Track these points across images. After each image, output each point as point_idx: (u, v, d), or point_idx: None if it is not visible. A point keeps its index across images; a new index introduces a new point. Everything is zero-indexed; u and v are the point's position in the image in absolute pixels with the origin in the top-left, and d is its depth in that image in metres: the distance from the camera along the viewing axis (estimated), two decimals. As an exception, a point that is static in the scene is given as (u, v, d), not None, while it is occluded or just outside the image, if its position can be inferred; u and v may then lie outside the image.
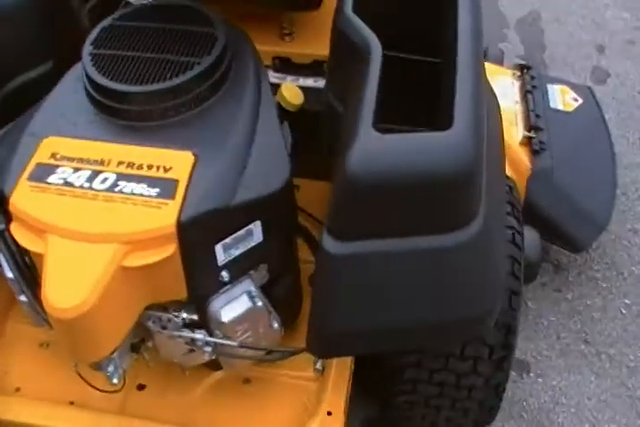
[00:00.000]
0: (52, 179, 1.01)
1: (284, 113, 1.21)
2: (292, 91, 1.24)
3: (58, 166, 1.02)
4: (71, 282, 0.93)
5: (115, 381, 1.17)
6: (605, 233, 2.02)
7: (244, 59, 1.15)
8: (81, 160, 1.02)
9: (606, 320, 1.95)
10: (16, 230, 1.00)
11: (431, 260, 0.94)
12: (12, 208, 1.00)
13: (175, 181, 0.99)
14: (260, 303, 1.14)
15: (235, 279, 1.11)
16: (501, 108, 1.65)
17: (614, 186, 1.86)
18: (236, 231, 1.04)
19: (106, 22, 1.14)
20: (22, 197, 1.00)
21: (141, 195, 0.98)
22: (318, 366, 1.33)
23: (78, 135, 1.06)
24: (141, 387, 1.37)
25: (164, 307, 1.12)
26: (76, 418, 1.27)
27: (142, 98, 1.05)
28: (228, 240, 1.03)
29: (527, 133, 1.78)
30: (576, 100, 1.94)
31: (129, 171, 1.01)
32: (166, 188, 0.98)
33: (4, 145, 1.10)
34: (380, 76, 0.94)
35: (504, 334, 1.28)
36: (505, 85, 1.92)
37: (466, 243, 0.93)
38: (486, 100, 1.03)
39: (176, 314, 1.12)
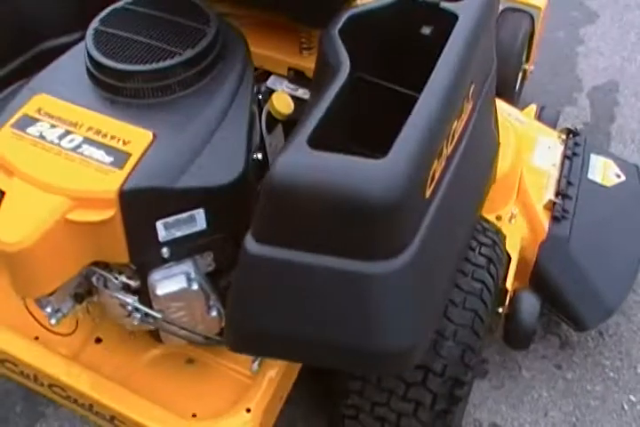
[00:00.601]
0: (30, 130, 1.13)
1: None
2: (282, 100, 1.27)
3: (38, 120, 1.14)
4: (18, 221, 1.04)
5: (52, 321, 1.25)
6: (628, 322, 1.91)
7: (233, 59, 1.22)
8: (59, 119, 1.14)
9: (603, 411, 1.82)
10: None
11: (344, 283, 0.92)
12: None
13: (128, 154, 1.08)
14: (195, 287, 1.19)
15: (176, 258, 1.17)
16: (537, 169, 1.60)
17: (636, 271, 1.76)
18: (177, 213, 1.10)
19: (118, 4, 1.25)
20: (2, 141, 1.12)
21: (97, 160, 1.08)
22: (255, 365, 1.34)
23: (65, 98, 1.16)
24: (98, 340, 1.47)
25: (109, 267, 1.20)
26: (31, 351, 1.39)
27: (122, 75, 1.14)
28: (169, 220, 1.10)
29: (553, 199, 1.72)
30: (618, 176, 1.86)
31: (94, 137, 1.11)
32: (119, 158, 1.08)
33: (12, 94, 1.24)
34: (353, 100, 0.96)
35: (450, 385, 1.24)
36: (547, 147, 1.87)
37: (383, 274, 0.90)
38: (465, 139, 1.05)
39: (116, 276, 1.20)
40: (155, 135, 1.10)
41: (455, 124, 1.00)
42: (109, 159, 1.08)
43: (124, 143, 1.09)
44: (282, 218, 0.90)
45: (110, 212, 1.05)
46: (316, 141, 0.89)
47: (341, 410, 1.40)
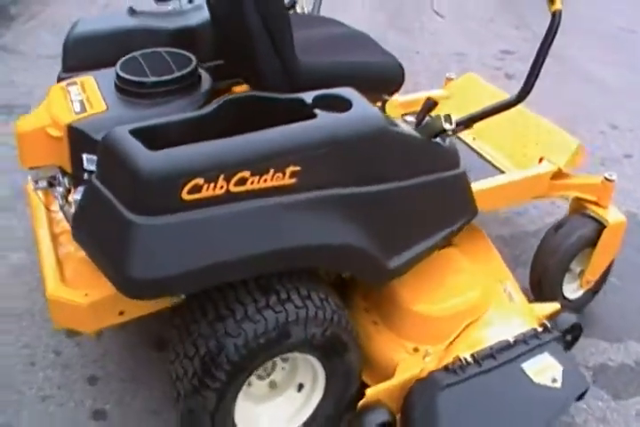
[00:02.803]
0: (70, 88, 1.70)
1: None
2: None
3: (76, 84, 1.72)
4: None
5: (35, 186, 1.76)
6: None
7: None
8: (85, 92, 1.68)
9: None
10: None
11: (118, 224, 1.34)
12: None
13: (86, 111, 1.59)
14: None
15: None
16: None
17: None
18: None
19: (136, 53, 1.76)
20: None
21: (74, 107, 1.60)
22: None
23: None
24: None
25: (64, 171, 1.67)
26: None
27: (129, 82, 1.63)
28: (90, 156, 1.52)
29: (463, 356, 1.75)
30: (554, 381, 1.78)
31: (84, 101, 1.63)
32: (81, 110, 1.58)
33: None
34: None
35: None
36: (516, 323, 1.90)
37: (141, 225, 1.29)
38: None
39: (60, 177, 1.67)
40: (107, 108, 1.57)
41: (248, 175, 1.34)
42: (78, 109, 1.58)
43: (91, 107, 1.58)
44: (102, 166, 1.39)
45: (60, 134, 1.54)
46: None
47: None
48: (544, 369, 1.81)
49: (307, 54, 1.66)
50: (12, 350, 2.10)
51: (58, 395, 1.97)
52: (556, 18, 1.66)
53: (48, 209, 1.80)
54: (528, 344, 1.84)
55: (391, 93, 1.87)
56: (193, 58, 1.65)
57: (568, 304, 2.30)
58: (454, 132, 1.63)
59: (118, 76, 1.59)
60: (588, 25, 5.30)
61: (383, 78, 1.84)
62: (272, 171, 1.34)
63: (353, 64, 1.77)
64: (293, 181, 1.38)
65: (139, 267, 1.28)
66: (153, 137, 1.33)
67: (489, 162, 2.24)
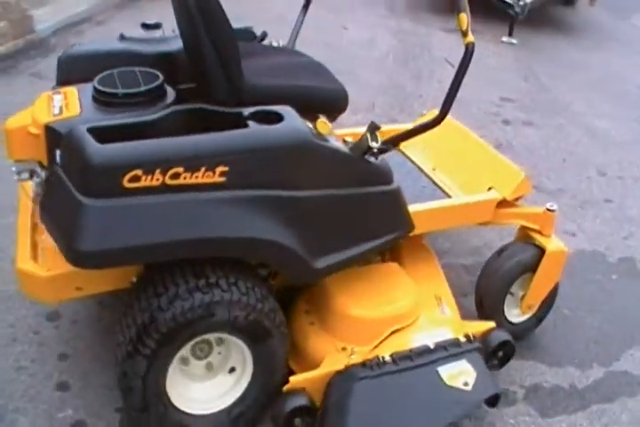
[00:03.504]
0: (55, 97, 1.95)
1: None
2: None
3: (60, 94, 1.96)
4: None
5: (16, 177, 1.97)
6: None
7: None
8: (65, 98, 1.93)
9: None
10: None
11: (72, 205, 1.60)
12: None
13: (63, 114, 1.83)
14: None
15: None
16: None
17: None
18: None
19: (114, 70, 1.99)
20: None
21: (53, 110, 1.85)
22: None
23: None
24: None
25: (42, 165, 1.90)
26: None
27: (102, 93, 1.87)
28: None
29: (383, 356, 1.96)
30: (466, 384, 1.95)
31: (65, 102, 1.90)
32: (59, 113, 1.83)
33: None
34: None
35: None
36: (439, 334, 2.08)
37: (87, 205, 1.56)
38: None
39: (39, 170, 1.91)
40: (81, 112, 1.82)
41: (182, 171, 1.59)
42: (56, 112, 1.82)
43: (67, 111, 1.83)
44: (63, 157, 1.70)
45: (39, 132, 1.79)
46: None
47: None
48: (458, 374, 1.98)
49: (257, 77, 1.94)
50: (-4, 327, 2.38)
51: (31, 367, 2.23)
52: (468, 49, 1.85)
53: (32, 200, 2.07)
54: (448, 351, 2.02)
55: (334, 116, 2.13)
56: (160, 76, 1.91)
57: (511, 328, 2.46)
58: (380, 150, 1.85)
59: (94, 88, 1.87)
60: (603, 83, 5.50)
61: (324, 102, 2.09)
62: (203, 169, 1.59)
63: (297, 87, 2.04)
64: (223, 179, 1.62)
65: (85, 241, 1.54)
66: (107, 135, 1.60)
67: (440, 188, 2.46)
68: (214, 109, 1.81)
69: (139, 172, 1.54)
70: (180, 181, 1.58)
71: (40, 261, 1.86)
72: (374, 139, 1.81)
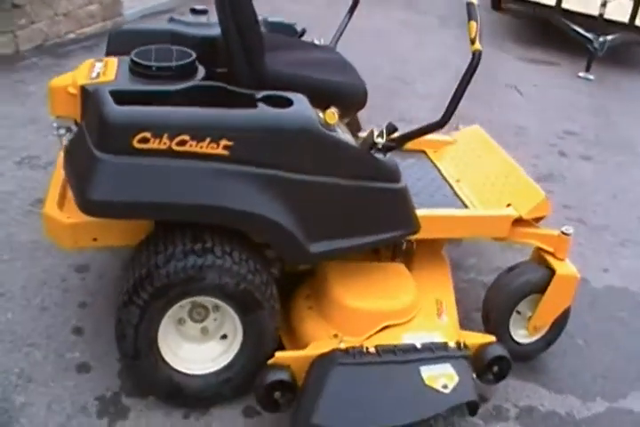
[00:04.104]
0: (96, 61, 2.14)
1: None
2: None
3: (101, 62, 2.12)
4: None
5: (55, 133, 2.13)
6: None
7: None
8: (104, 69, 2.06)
9: None
10: None
11: (88, 158, 1.74)
12: None
13: (100, 78, 1.99)
14: None
15: None
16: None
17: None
18: None
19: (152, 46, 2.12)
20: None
21: (93, 75, 2.02)
22: None
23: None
24: None
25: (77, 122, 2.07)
26: None
27: (137, 65, 2.01)
28: None
29: (367, 347, 2.00)
30: (445, 387, 1.96)
31: (103, 69, 2.05)
32: (97, 76, 2.00)
33: None
34: None
35: None
36: (427, 339, 2.09)
37: (102, 160, 1.70)
38: None
39: (73, 127, 2.09)
40: (115, 79, 1.96)
41: (188, 139, 1.69)
42: (93, 76, 1.97)
43: (104, 76, 1.98)
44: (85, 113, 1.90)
45: (76, 91, 1.95)
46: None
47: None
48: (439, 376, 1.99)
49: (282, 66, 2.05)
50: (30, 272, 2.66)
51: (54, 309, 2.50)
52: (475, 57, 1.88)
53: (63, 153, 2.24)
54: (433, 352, 2.04)
55: (352, 111, 2.20)
56: (193, 55, 2.04)
57: (516, 347, 2.44)
58: (385, 147, 1.91)
59: (131, 60, 2.01)
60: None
61: (341, 95, 2.16)
62: (208, 140, 1.69)
63: (315, 79, 2.12)
64: (226, 152, 1.72)
65: (95, 191, 1.69)
66: (127, 99, 1.73)
67: (460, 199, 2.48)
68: (231, 89, 1.92)
69: (147, 134, 1.66)
70: (186, 148, 1.69)
71: (64, 210, 2.02)
72: (380, 135, 1.87)
